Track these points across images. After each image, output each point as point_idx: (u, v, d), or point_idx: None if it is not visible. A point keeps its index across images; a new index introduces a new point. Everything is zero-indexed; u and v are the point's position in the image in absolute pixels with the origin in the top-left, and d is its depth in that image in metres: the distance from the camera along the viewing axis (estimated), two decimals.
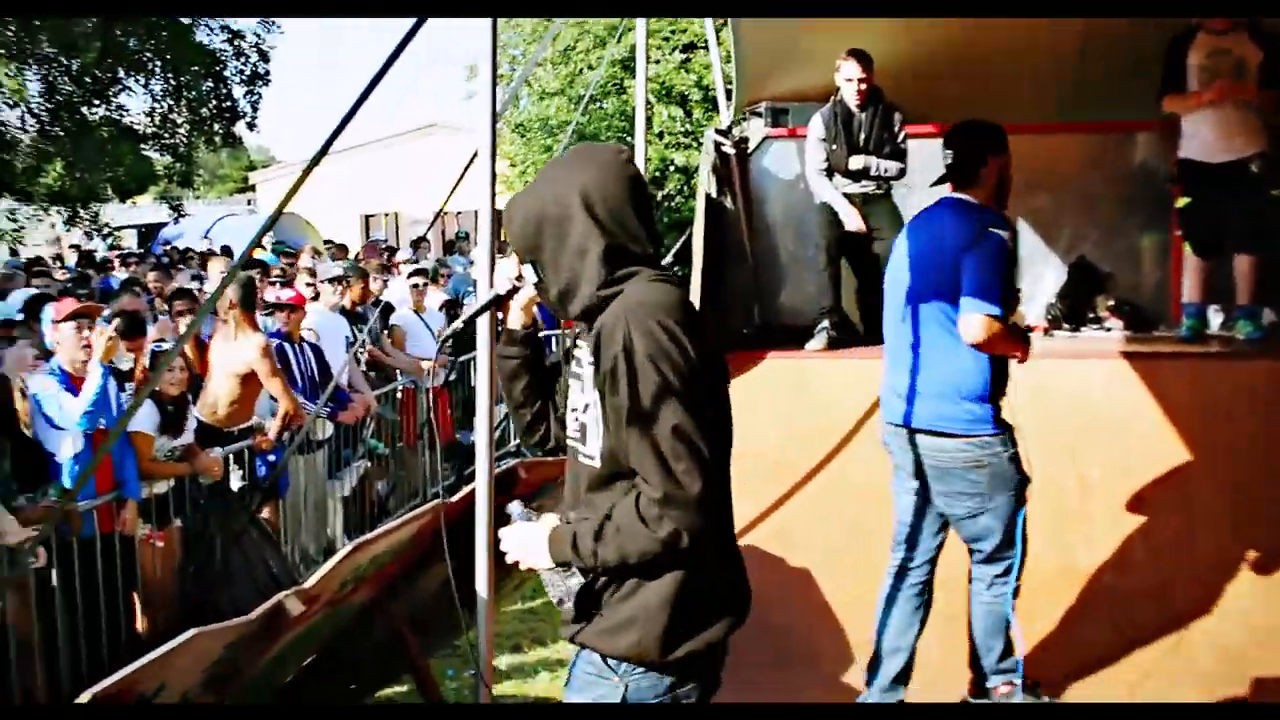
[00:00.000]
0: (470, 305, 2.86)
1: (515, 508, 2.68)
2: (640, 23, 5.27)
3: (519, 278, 2.71)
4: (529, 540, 2.58)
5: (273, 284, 9.59)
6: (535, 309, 2.87)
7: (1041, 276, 7.45)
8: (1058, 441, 5.59)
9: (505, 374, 2.89)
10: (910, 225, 4.84)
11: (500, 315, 2.92)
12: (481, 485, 3.78)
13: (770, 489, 5.90)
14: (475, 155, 3.64)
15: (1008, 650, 4.58)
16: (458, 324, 3.05)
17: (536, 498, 4.75)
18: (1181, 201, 6.71)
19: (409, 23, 4.02)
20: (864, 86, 6.79)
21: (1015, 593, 4.46)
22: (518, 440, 11.55)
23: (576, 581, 2.53)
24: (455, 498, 4.22)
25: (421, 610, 4.62)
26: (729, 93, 8.31)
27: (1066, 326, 7.12)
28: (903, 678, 4.60)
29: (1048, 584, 5.21)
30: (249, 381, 7.14)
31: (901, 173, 6.89)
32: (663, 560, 2.43)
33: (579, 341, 2.67)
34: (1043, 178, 7.52)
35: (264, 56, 23.41)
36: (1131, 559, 5.24)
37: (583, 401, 2.59)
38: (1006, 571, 4.47)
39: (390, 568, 4.13)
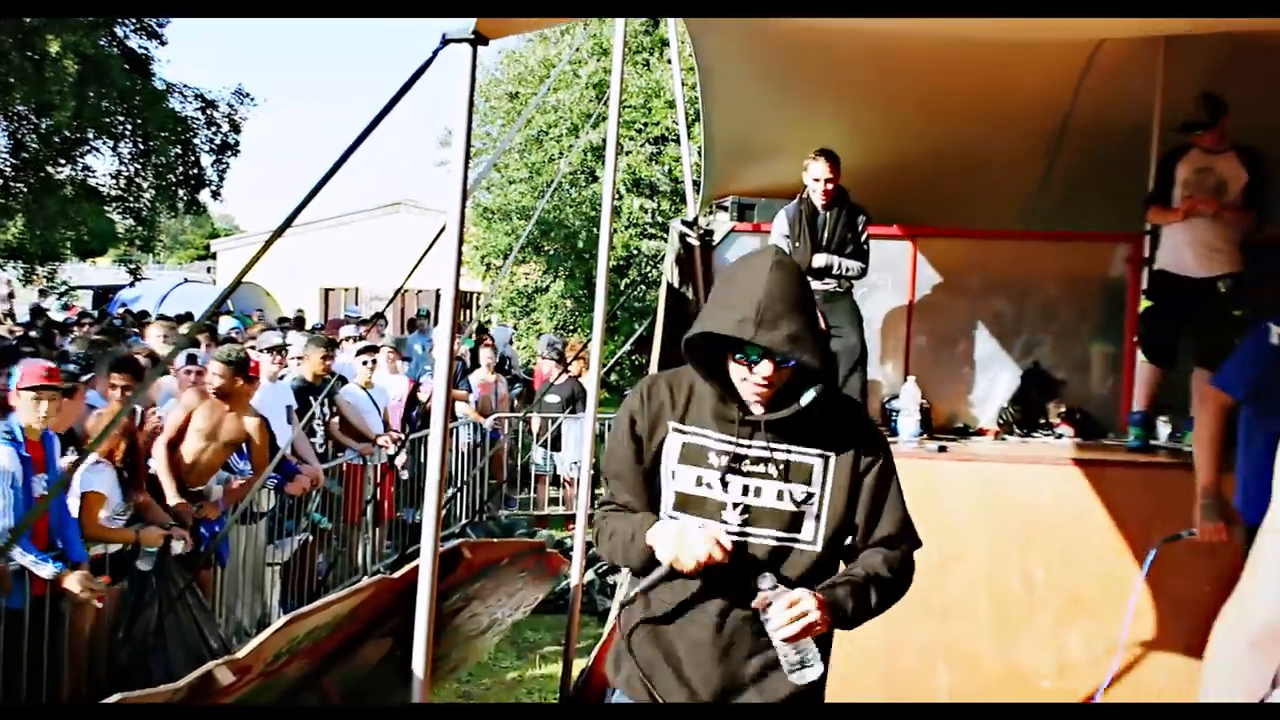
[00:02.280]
0: (652, 576, 2.74)
1: (767, 580, 2.70)
2: (613, 110, 5.30)
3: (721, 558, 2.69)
4: (808, 609, 2.63)
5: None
6: None
7: (996, 380, 7.51)
8: (1006, 542, 5.62)
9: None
10: None
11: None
12: (426, 562, 3.70)
13: None
14: (444, 229, 3.60)
15: None
16: (635, 590, 2.94)
17: (478, 580, 4.69)
18: (1145, 304, 6.80)
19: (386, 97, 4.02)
20: (830, 186, 6.85)
21: None
22: (464, 520, 11.48)
23: (815, 670, 2.69)
24: (398, 574, 4.14)
25: (357, 686, 4.52)
26: (697, 185, 8.38)
27: (1018, 431, 7.15)
28: None
29: (990, 683, 5.20)
30: (226, 450, 7.16)
31: (863, 272, 6.95)
32: None
33: (747, 441, 2.83)
34: (1003, 283, 7.63)
35: (235, 127, 23.51)
36: (1072, 660, 5.22)
37: (801, 492, 2.80)
38: None
39: (327, 642, 4.04)
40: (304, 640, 3.84)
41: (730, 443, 2.82)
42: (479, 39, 3.29)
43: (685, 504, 2.85)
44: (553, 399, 12.58)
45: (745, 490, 2.81)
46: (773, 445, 2.80)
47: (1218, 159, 6.46)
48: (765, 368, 2.71)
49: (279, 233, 4.41)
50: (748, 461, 2.81)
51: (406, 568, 4.09)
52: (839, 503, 2.81)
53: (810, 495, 2.79)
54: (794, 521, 2.79)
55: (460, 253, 3.53)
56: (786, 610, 2.62)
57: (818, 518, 2.80)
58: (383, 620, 4.26)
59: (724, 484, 2.83)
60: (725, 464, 2.82)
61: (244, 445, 7.41)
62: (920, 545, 2.90)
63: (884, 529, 2.84)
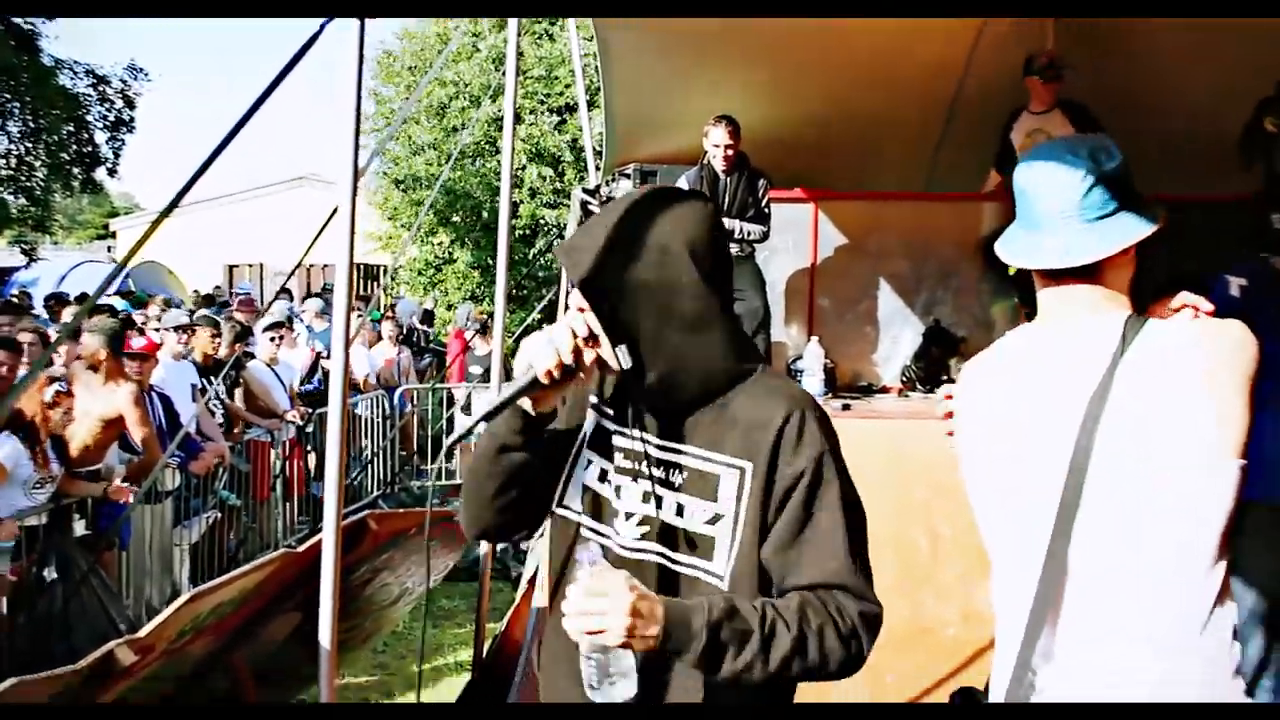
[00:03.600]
0: (503, 394, 2.12)
1: (588, 552, 2.17)
2: (510, 80, 5.27)
3: (577, 361, 2.08)
4: (607, 612, 1.88)
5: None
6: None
7: (898, 339, 7.61)
8: (911, 499, 5.70)
9: (496, 455, 2.20)
10: None
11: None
12: (329, 535, 3.67)
13: None
14: (335, 211, 3.55)
15: None
16: (470, 425, 2.29)
17: (385, 551, 4.68)
18: (1012, 269, 6.95)
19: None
20: (730, 152, 6.90)
21: None
22: (375, 493, 11.42)
23: (627, 686, 2.08)
24: (303, 547, 4.13)
25: (266, 660, 4.51)
26: (599, 154, 8.37)
27: (921, 388, 7.26)
28: None
29: (897, 638, 5.29)
30: (110, 427, 6.98)
31: (765, 236, 7.01)
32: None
33: (641, 434, 2.18)
34: (903, 244, 7.72)
35: (129, 103, 23.03)
36: (975, 610, 5.33)
37: (708, 510, 2.10)
38: None
39: (232, 618, 4.02)
40: (208, 617, 3.82)
41: (634, 437, 2.19)
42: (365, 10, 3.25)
43: (593, 503, 2.24)
44: (476, 369, 12.59)
45: (645, 498, 2.16)
46: (679, 446, 2.14)
47: (1045, 119, 6.82)
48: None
49: (168, 210, 4.34)
50: (649, 463, 2.17)
51: (311, 541, 4.07)
52: (754, 528, 2.06)
53: (719, 516, 2.09)
54: (702, 546, 2.11)
55: (354, 227, 3.48)
56: (582, 598, 1.91)
57: (730, 544, 2.07)
58: (289, 594, 4.25)
59: (616, 489, 2.22)
60: (621, 462, 2.21)
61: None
62: (873, 607, 2.01)
63: (810, 570, 2.02)
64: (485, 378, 12.50)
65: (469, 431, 2.34)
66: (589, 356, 2.09)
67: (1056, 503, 2.00)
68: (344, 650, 4.89)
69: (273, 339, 10.07)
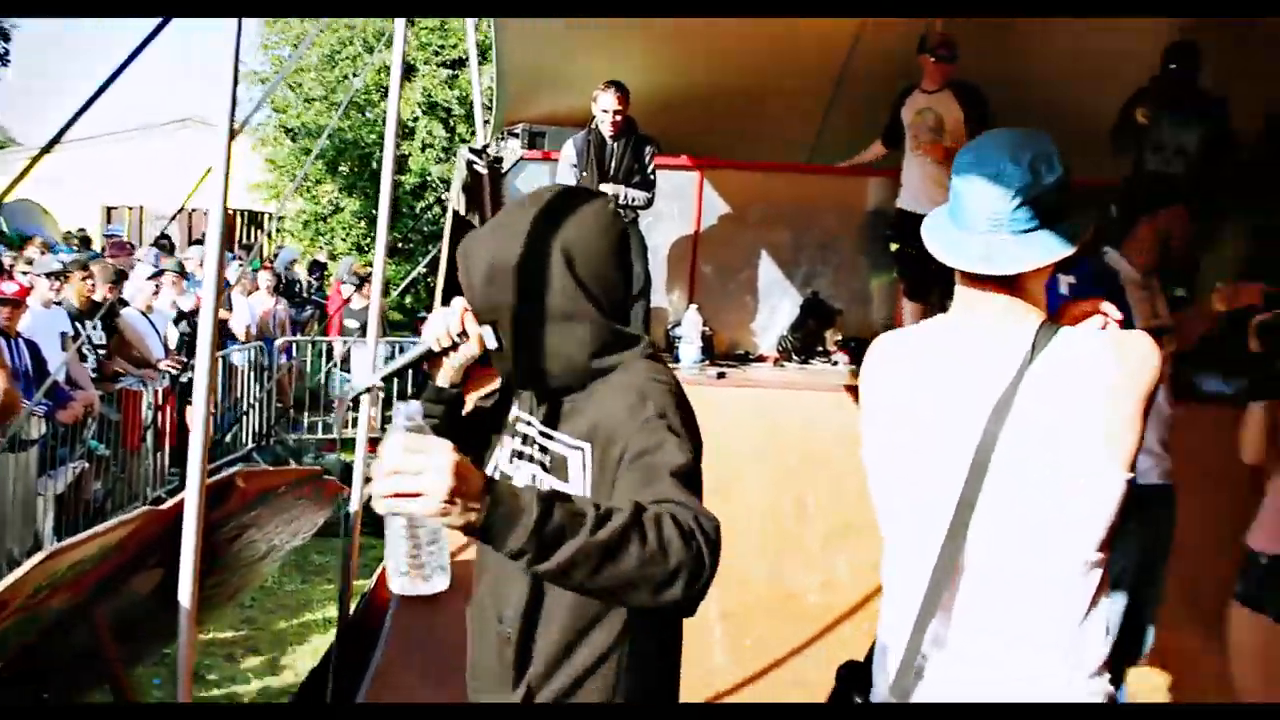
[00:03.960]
0: (399, 358, 2.26)
1: (403, 411, 1.95)
2: (399, 26, 5.21)
3: (462, 334, 2.25)
4: (421, 472, 1.60)
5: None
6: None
7: (777, 309, 7.73)
8: (780, 464, 5.81)
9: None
10: None
11: (424, 367, 2.41)
12: (192, 493, 3.63)
13: None
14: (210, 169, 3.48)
15: None
16: (373, 380, 2.46)
17: (253, 508, 4.64)
18: (894, 246, 7.11)
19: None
20: (619, 118, 6.91)
21: None
22: (250, 445, 11.30)
23: (441, 579, 1.94)
24: (167, 504, 4.08)
25: (128, 617, 4.45)
26: (489, 110, 8.33)
27: (797, 358, 7.38)
28: None
29: (762, 603, 5.40)
30: None
31: (649, 202, 7.05)
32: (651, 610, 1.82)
33: (531, 418, 2.28)
34: (786, 215, 7.83)
35: (3, 35, 22.30)
36: (837, 578, 5.46)
37: (555, 487, 2.12)
38: None
39: (93, 574, 3.96)
40: (67, 573, 3.75)
41: (524, 421, 2.32)
42: None
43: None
44: (352, 324, 12.48)
45: (532, 479, 2.24)
46: (551, 431, 2.23)
47: (936, 99, 6.90)
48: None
49: (46, 149, 4.26)
50: (529, 443, 2.28)
51: (175, 499, 4.03)
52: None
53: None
54: None
55: (228, 180, 3.42)
56: (399, 455, 1.62)
57: None
58: (152, 551, 4.19)
59: (514, 470, 2.31)
60: (519, 446, 2.32)
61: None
62: (711, 519, 1.80)
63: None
64: (363, 332, 12.42)
65: (368, 389, 2.49)
66: (472, 331, 2.22)
67: (954, 499, 2.06)
68: (209, 607, 4.85)
69: (155, 288, 9.90)
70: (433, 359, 2.32)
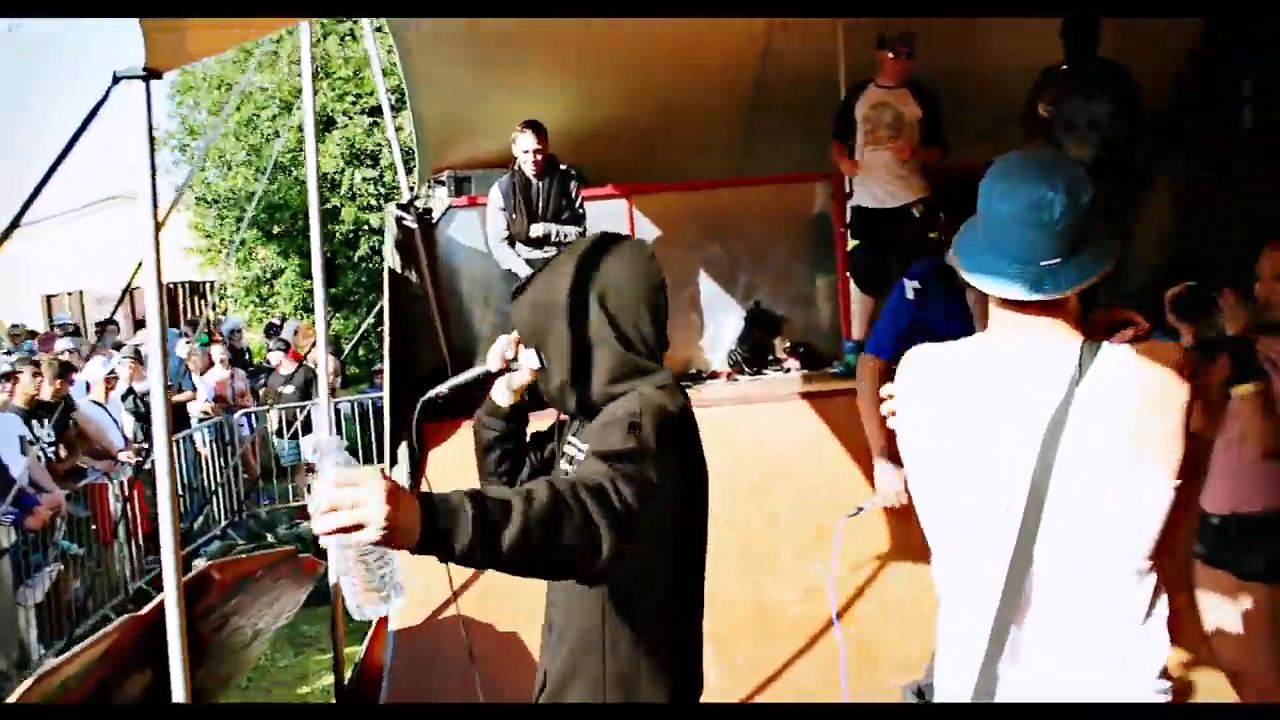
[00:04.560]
0: (462, 375, 2.53)
1: (330, 443, 1.90)
2: (306, 77, 5.25)
3: (514, 359, 2.61)
4: (357, 504, 1.70)
5: None
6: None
7: (722, 324, 7.80)
8: (745, 482, 5.87)
9: (481, 444, 2.76)
10: None
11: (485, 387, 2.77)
12: (170, 589, 3.60)
13: None
14: (140, 265, 3.45)
15: None
16: (440, 389, 2.72)
17: (232, 597, 4.68)
18: (851, 243, 7.18)
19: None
20: (540, 156, 6.98)
21: None
22: (224, 522, 11.26)
23: (399, 597, 1.90)
24: (145, 609, 4.12)
25: None
26: (411, 156, 8.36)
27: (748, 370, 7.46)
28: None
29: (747, 621, 5.48)
30: None
31: (581, 235, 7.10)
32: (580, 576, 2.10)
33: (573, 437, 2.57)
34: (719, 230, 7.91)
35: None
36: (817, 584, 5.52)
37: None
38: None
39: (78, 690, 4.00)
40: (57, 693, 3.80)
41: (568, 438, 2.61)
42: (151, 74, 3.14)
43: None
44: (288, 389, 12.41)
45: None
46: (580, 443, 2.48)
47: (893, 94, 6.87)
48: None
49: (7, 233, 4.17)
50: (566, 459, 2.58)
51: (154, 601, 4.06)
52: None
53: None
54: None
55: (158, 244, 3.35)
56: (332, 490, 1.72)
57: None
58: (138, 656, 4.23)
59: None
60: (563, 461, 2.62)
61: None
62: (629, 471, 2.08)
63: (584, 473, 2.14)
64: (299, 395, 12.43)
65: (437, 395, 2.73)
66: (524, 357, 2.56)
67: (1015, 514, 2.11)
68: (205, 697, 4.88)
69: (111, 375, 9.90)
70: (490, 378, 2.68)
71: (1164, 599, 2.15)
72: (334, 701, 5.76)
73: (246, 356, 16.30)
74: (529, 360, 2.54)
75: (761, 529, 5.81)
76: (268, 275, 20.58)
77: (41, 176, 3.68)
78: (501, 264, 7.16)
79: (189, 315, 24.02)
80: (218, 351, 13.36)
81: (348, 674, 5.72)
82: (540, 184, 7.05)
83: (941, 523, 2.25)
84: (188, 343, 13.24)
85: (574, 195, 7.12)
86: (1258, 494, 3.96)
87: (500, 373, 2.67)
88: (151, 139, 3.27)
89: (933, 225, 6.66)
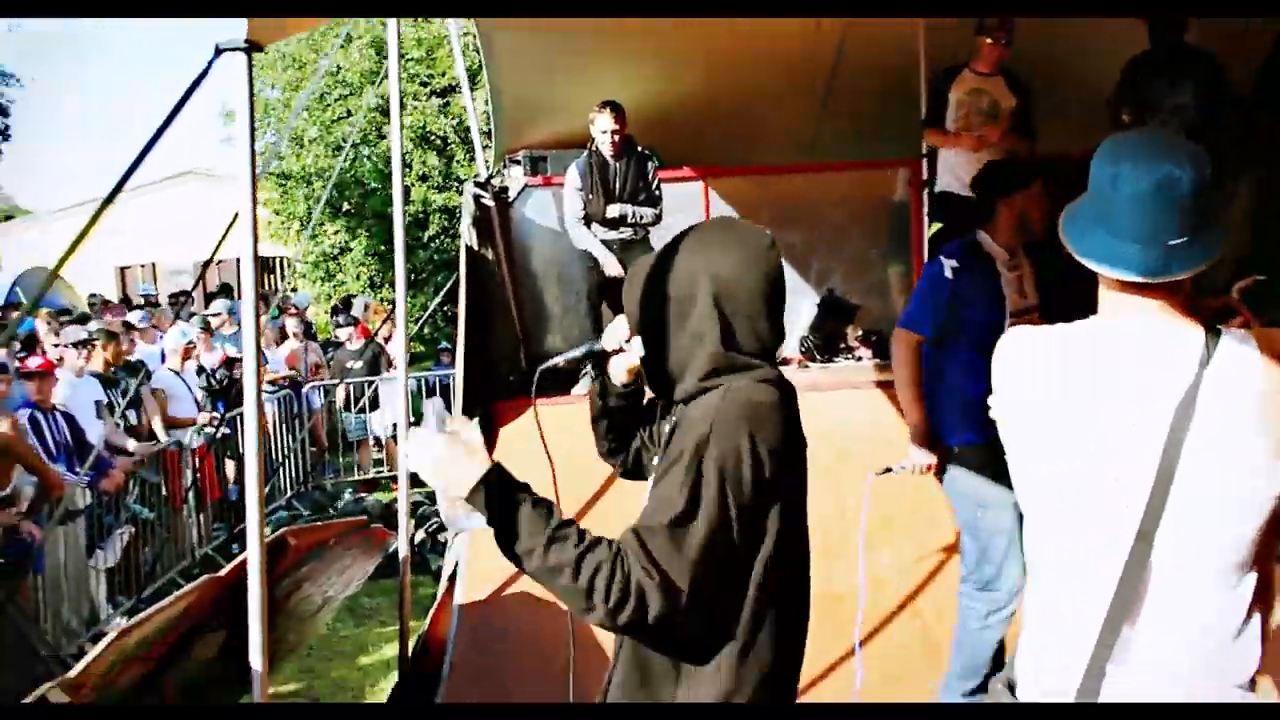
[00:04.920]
0: (576, 349, 2.63)
1: (435, 405, 2.32)
2: (393, 59, 5.27)
3: (628, 341, 2.57)
4: (454, 467, 2.19)
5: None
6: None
7: (795, 310, 7.76)
8: (817, 469, 5.82)
9: (593, 412, 2.79)
10: None
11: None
12: (254, 553, 3.67)
13: None
14: (237, 215, 3.49)
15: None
16: (554, 362, 2.76)
17: (305, 564, 4.73)
18: (934, 228, 7.12)
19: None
20: (618, 137, 6.97)
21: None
22: (289, 493, 11.38)
23: (474, 522, 2.24)
24: (224, 570, 4.17)
25: (196, 678, 4.54)
26: (488, 136, 8.40)
27: (820, 358, 7.42)
28: None
29: (815, 609, 5.44)
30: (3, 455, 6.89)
31: (657, 218, 7.10)
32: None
33: (664, 420, 2.63)
34: (793, 215, 7.87)
35: (2, 111, 22.52)
36: (883, 577, 5.50)
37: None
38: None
39: (159, 645, 4.05)
40: (137, 650, 3.85)
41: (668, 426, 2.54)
42: (253, 46, 3.16)
43: None
44: (357, 365, 12.52)
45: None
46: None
47: (988, 81, 6.79)
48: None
49: (104, 205, 4.22)
50: (659, 447, 2.58)
51: (233, 564, 4.12)
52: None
53: None
54: None
55: (256, 222, 3.41)
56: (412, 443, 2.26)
57: None
58: (214, 615, 4.29)
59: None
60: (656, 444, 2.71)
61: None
62: (652, 576, 2.10)
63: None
64: (367, 370, 12.55)
65: (554, 366, 2.74)
66: (632, 344, 2.52)
67: (1137, 500, 2.06)
68: (271, 662, 4.94)
69: (190, 343, 10.08)
70: (605, 357, 2.68)
71: (1261, 605, 2.09)
72: (394, 673, 5.80)
73: (311, 330, 16.47)
74: (635, 347, 2.48)
75: (832, 515, 5.77)
76: (335, 252, 20.75)
77: (141, 149, 3.70)
78: (577, 244, 7.17)
79: (260, 290, 24.26)
80: (292, 324, 13.53)
81: (411, 644, 5.76)
82: (617, 165, 7.04)
83: (1048, 507, 2.19)
84: (262, 318, 13.35)
85: (651, 177, 7.11)
86: None
87: (611, 354, 2.65)
88: (253, 113, 3.27)
89: None
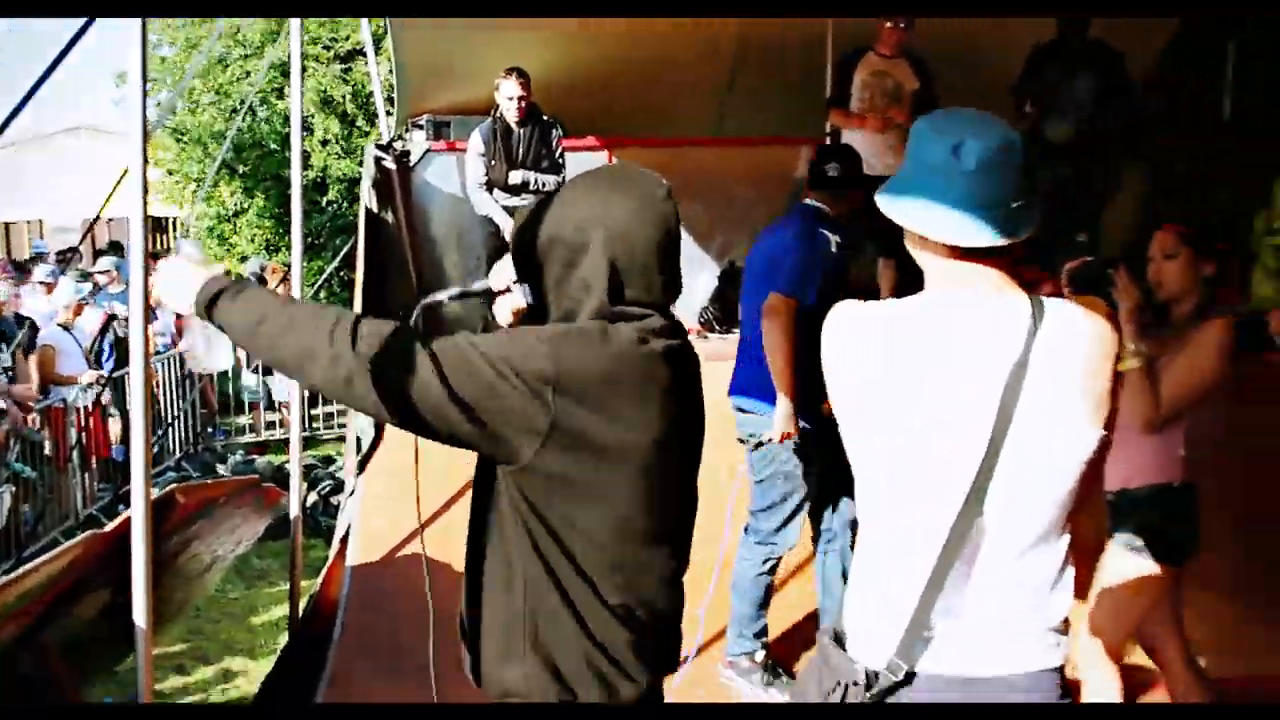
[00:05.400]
0: (465, 286, 2.50)
1: (188, 245, 2.51)
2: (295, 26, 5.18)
3: (516, 283, 2.44)
4: (181, 280, 2.28)
5: None
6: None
7: (695, 281, 7.80)
8: (716, 437, 5.87)
9: None
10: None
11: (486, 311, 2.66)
12: (138, 511, 3.60)
13: (439, 492, 5.95)
14: (126, 171, 3.44)
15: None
16: (438, 296, 2.60)
17: (194, 522, 4.66)
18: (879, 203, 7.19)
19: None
20: (523, 104, 6.96)
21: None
22: (178, 454, 11.19)
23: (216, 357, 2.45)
24: (109, 526, 4.10)
25: (76, 639, 4.46)
26: (390, 102, 8.32)
27: (719, 328, 7.48)
28: None
29: (693, 579, 5.49)
30: None
31: (560, 185, 7.07)
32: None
33: None
34: (698, 188, 7.89)
35: None
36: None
37: None
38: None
39: (38, 602, 3.97)
40: (16, 604, 3.77)
41: None
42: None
43: None
44: None
45: None
46: None
47: (892, 64, 6.91)
48: None
49: None
50: None
51: (119, 520, 4.04)
52: None
53: None
54: None
55: (145, 181, 3.37)
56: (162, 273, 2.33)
57: None
58: (98, 573, 4.21)
59: None
60: None
61: None
62: (355, 347, 2.10)
63: None
64: None
65: (438, 302, 2.58)
66: (516, 289, 2.42)
67: (969, 463, 2.09)
68: (158, 622, 4.86)
69: (81, 299, 9.94)
70: (492, 296, 2.56)
71: (1072, 557, 2.19)
72: (283, 635, 5.75)
73: None
74: (520, 294, 2.38)
75: (727, 484, 5.82)
76: (229, 214, 20.35)
77: (16, 103, 3.64)
78: (478, 209, 7.14)
79: (150, 249, 23.75)
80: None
81: (302, 605, 5.71)
82: (521, 131, 7.03)
83: (879, 474, 2.22)
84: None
85: (554, 145, 7.11)
86: (1143, 469, 3.97)
87: (498, 294, 2.53)
88: (145, 72, 3.24)
89: None
